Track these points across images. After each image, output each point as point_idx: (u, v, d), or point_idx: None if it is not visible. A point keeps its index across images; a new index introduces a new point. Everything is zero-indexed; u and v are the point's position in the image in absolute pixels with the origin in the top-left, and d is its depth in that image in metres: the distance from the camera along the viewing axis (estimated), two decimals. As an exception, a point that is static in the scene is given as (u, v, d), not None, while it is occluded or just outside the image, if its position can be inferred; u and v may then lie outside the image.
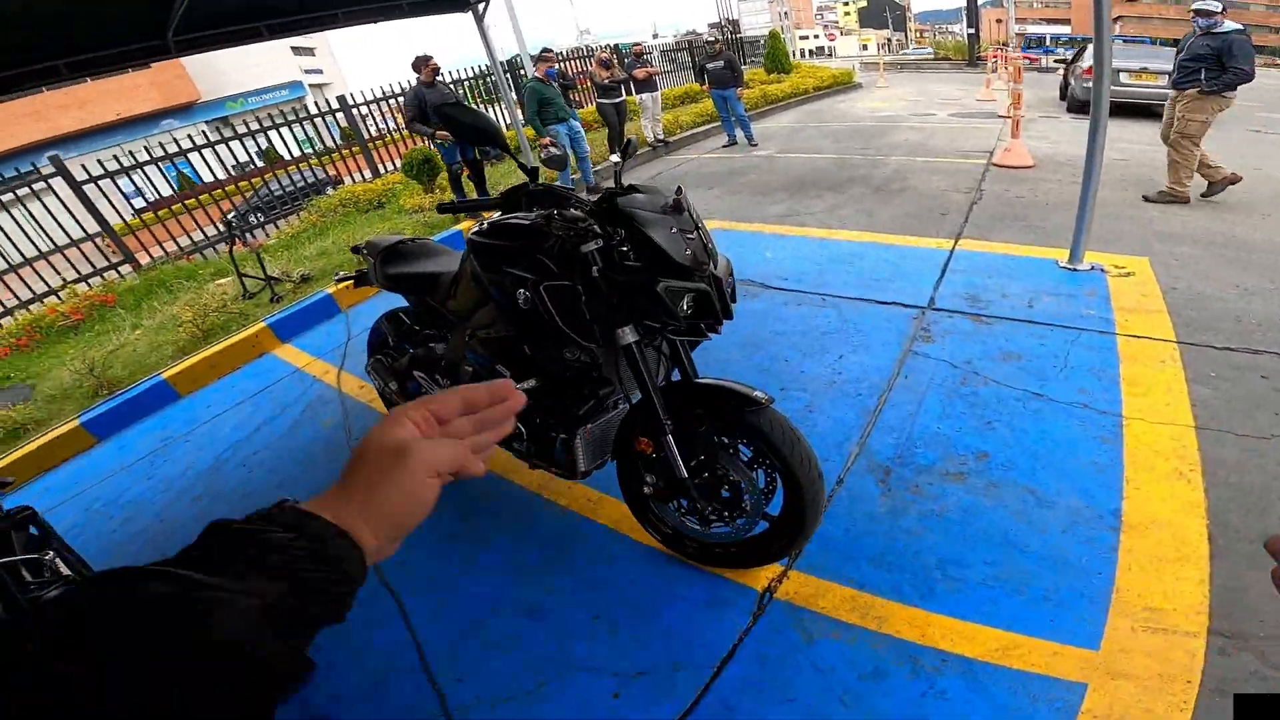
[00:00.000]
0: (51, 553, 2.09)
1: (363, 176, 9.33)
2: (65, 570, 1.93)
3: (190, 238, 7.86)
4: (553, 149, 5.95)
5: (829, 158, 7.09)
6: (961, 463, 2.29)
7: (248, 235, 6.78)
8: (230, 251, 5.37)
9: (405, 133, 8.79)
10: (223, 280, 5.76)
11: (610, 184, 1.77)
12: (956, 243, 4.12)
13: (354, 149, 9.34)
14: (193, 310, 4.68)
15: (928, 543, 2.00)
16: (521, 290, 1.71)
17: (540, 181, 1.78)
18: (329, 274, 5.29)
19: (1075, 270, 3.52)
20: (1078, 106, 9.20)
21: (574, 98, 9.12)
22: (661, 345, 1.92)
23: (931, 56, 24.79)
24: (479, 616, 2.09)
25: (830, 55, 38.26)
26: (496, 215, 1.93)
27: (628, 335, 1.65)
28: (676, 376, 1.91)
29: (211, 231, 7.62)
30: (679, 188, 1.66)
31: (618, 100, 7.78)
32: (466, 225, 5.80)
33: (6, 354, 5.07)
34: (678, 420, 1.76)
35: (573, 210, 1.70)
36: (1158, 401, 2.44)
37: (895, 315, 3.34)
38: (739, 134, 8.50)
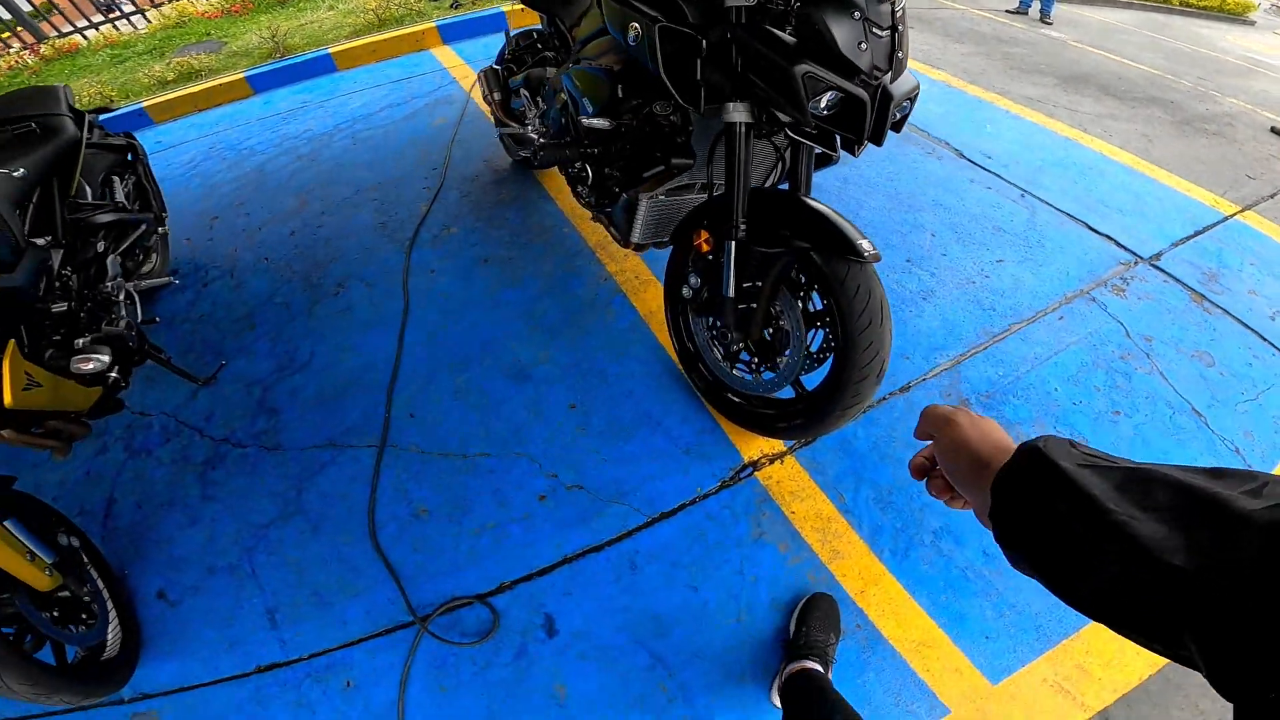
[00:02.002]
0: (135, 179, 2.25)
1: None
2: (120, 198, 2.07)
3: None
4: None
5: (1142, 70, 5.25)
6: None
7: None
8: (431, -46, 5.28)
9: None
10: (425, -21, 5.76)
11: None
12: (1241, 212, 2.91)
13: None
14: (377, 0, 4.76)
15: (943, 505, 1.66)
16: (635, 24, 1.40)
17: None
18: (517, -8, 5.11)
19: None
20: None
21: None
22: (785, 148, 1.61)
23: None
24: (466, 356, 2.02)
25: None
26: None
27: (737, 113, 1.31)
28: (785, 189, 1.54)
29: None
30: None
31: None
32: None
33: (218, 16, 5.57)
34: (755, 230, 1.40)
35: None
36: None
37: (1099, 249, 2.49)
38: (1036, 6, 6.58)
